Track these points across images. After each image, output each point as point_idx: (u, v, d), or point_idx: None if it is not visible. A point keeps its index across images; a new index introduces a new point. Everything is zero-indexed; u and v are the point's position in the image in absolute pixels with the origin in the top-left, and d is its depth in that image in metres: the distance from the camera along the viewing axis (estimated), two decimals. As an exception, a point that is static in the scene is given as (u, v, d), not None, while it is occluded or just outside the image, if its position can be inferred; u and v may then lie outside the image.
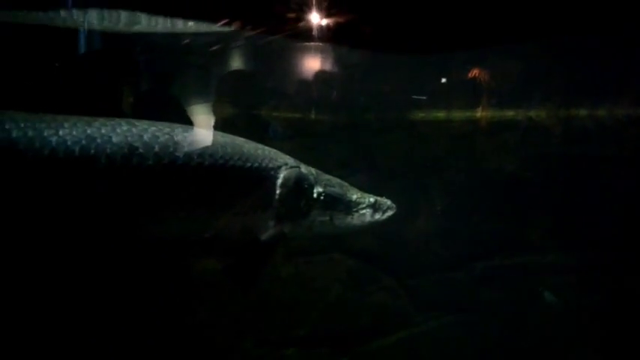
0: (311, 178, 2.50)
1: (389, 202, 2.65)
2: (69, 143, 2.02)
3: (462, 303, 3.85)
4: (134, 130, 2.15)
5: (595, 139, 3.76)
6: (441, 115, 3.80)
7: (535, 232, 3.83)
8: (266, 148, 2.52)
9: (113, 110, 2.84)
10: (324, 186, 2.51)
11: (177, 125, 2.33)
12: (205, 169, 2.21)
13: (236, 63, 3.54)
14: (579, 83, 3.68)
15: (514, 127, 3.78)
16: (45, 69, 2.92)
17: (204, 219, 2.28)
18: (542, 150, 3.80)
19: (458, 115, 3.79)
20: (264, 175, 2.38)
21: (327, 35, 3.36)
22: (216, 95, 3.49)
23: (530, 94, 3.76)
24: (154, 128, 2.20)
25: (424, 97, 3.75)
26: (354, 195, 2.58)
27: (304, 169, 2.52)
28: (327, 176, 2.61)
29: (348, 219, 2.54)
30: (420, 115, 3.78)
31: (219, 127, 3.21)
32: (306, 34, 3.38)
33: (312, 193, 2.48)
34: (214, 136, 2.38)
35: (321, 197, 2.48)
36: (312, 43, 3.45)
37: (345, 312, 3.73)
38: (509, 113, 3.78)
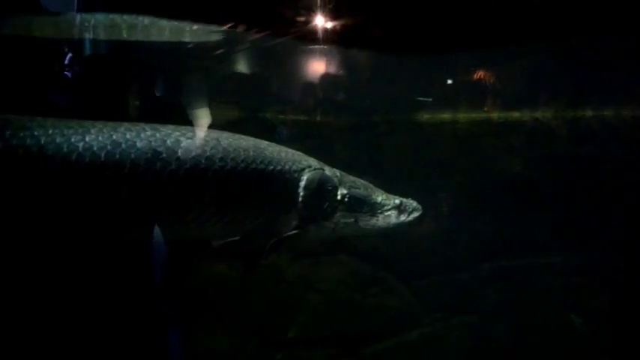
0: (335, 180, 2.51)
1: (414, 204, 2.65)
2: (95, 149, 2.07)
3: (468, 304, 3.85)
4: (158, 135, 2.19)
5: (601, 139, 3.75)
6: (447, 116, 3.79)
7: (541, 232, 3.82)
8: (290, 150, 2.54)
9: (118, 114, 2.86)
10: (349, 188, 2.52)
11: (201, 129, 2.37)
12: (227, 172, 2.23)
13: (241, 66, 3.55)
14: (585, 84, 3.67)
15: (520, 128, 3.78)
16: (50, 73, 2.95)
17: (226, 222, 2.29)
18: (548, 151, 3.79)
19: (464, 116, 3.78)
20: (286, 178, 2.39)
21: (333, 37, 3.36)
22: (222, 98, 3.50)
23: (536, 94, 3.75)
24: (177, 133, 2.24)
25: (429, 99, 3.75)
26: (379, 197, 2.59)
27: (328, 171, 2.54)
28: (352, 178, 2.62)
29: (373, 220, 2.54)
30: (426, 116, 3.78)
31: (225, 130, 3.20)
32: (311, 36, 3.39)
33: (336, 195, 2.49)
34: (237, 139, 2.39)
35: (346, 199, 2.49)
36: (317, 46, 3.46)
37: (351, 313, 3.74)
38: (515, 114, 3.78)
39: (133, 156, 2.10)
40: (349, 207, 2.49)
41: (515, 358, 3.80)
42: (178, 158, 2.15)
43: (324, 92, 3.68)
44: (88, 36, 2.98)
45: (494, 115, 3.77)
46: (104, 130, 2.15)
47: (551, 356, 3.81)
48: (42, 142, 2.05)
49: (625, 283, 3.80)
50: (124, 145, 2.11)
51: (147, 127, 2.23)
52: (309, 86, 3.71)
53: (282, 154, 2.45)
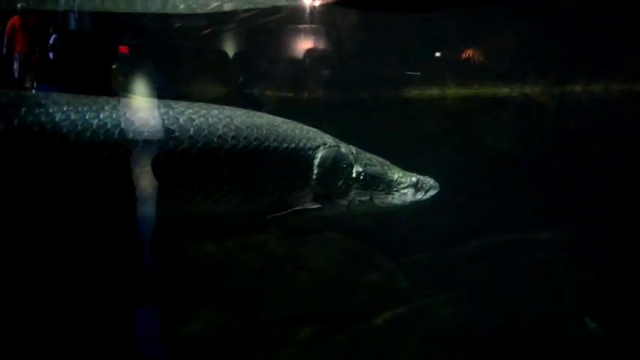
0: (350, 157, 2.51)
1: (432, 182, 2.65)
2: (109, 126, 2.09)
3: (456, 280, 3.87)
4: (171, 112, 2.20)
5: (590, 115, 3.75)
6: (436, 92, 3.77)
7: (529, 208, 3.83)
8: (306, 128, 2.54)
9: (103, 89, 2.83)
10: (364, 165, 2.52)
11: (215, 107, 2.37)
12: (239, 150, 2.24)
13: (229, 44, 3.51)
14: (574, 59, 3.66)
15: (509, 104, 3.76)
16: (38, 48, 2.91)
17: (240, 199, 2.32)
18: (537, 126, 3.78)
19: (452, 92, 3.76)
20: (300, 155, 2.40)
21: (320, 15, 3.33)
22: (209, 75, 3.46)
23: (525, 70, 3.73)
24: (190, 111, 2.24)
25: (418, 73, 3.71)
26: (396, 174, 2.59)
27: (344, 148, 2.54)
28: (369, 155, 2.62)
29: (389, 198, 2.55)
30: (415, 92, 3.75)
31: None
32: (298, 14, 3.36)
33: (351, 172, 2.49)
34: (252, 117, 2.39)
35: (361, 177, 2.49)
36: (305, 25, 3.42)
37: (340, 290, 3.75)
38: (504, 90, 3.76)
39: (146, 135, 2.12)
40: (365, 184, 2.50)
41: (503, 332, 3.83)
42: (191, 137, 2.16)
43: (312, 69, 3.65)
44: (74, 6, 2.95)
45: (483, 90, 3.75)
46: (118, 108, 2.17)
47: (538, 330, 3.86)
48: (57, 118, 2.06)
49: (612, 257, 3.85)
50: (137, 123, 2.12)
51: (160, 104, 2.25)
52: (297, 63, 3.67)
53: (297, 132, 2.45)
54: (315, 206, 2.43)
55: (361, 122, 3.71)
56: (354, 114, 3.71)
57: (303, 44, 3.58)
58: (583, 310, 3.85)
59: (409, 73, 3.71)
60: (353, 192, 2.48)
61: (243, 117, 2.34)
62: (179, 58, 3.42)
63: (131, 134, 2.10)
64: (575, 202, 3.66)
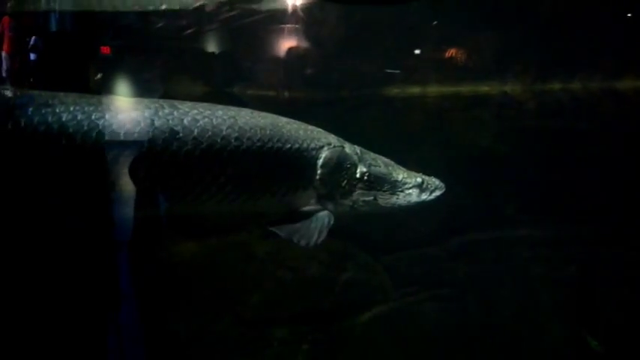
0: (354, 157, 2.51)
1: (437, 182, 2.66)
2: (114, 127, 2.10)
3: (438, 278, 3.88)
4: (176, 113, 2.21)
5: (569, 112, 3.78)
6: (417, 90, 3.77)
7: (510, 206, 3.86)
8: (310, 128, 2.54)
9: (82, 89, 2.81)
10: (369, 165, 2.52)
11: (220, 107, 2.37)
12: (243, 151, 2.25)
13: (210, 43, 3.49)
14: (553, 57, 3.68)
15: (489, 102, 3.78)
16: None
17: (244, 200, 2.33)
18: (517, 124, 3.81)
19: (433, 90, 3.77)
20: (303, 156, 2.40)
21: (301, 14, 3.33)
22: (190, 74, 3.45)
23: (505, 68, 3.75)
24: (195, 111, 2.25)
25: (397, 71, 3.72)
26: (401, 175, 2.59)
27: (348, 148, 2.54)
28: (373, 155, 2.62)
29: (394, 199, 2.55)
30: (396, 90, 3.76)
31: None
32: (279, 14, 3.35)
33: (355, 172, 2.49)
34: (256, 118, 2.40)
35: (365, 177, 2.50)
36: (285, 24, 3.42)
37: (322, 289, 3.75)
38: (484, 88, 3.77)
39: (150, 135, 2.12)
40: (369, 185, 2.50)
41: (484, 329, 3.86)
42: (195, 138, 2.17)
43: (293, 68, 3.63)
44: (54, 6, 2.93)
45: (464, 89, 3.76)
46: (125, 108, 2.20)
47: (519, 327, 3.88)
48: (63, 119, 2.07)
49: (591, 254, 3.88)
50: (142, 124, 2.13)
51: (166, 104, 2.25)
52: (278, 62, 3.66)
53: (301, 132, 2.46)
54: (317, 208, 2.44)
55: (342, 120, 3.70)
56: (335, 112, 3.71)
57: (284, 43, 3.57)
58: (563, 305, 3.88)
59: (389, 71, 3.71)
60: (357, 192, 2.49)
61: (247, 117, 2.36)
62: (160, 58, 3.40)
63: (135, 135, 2.12)
64: (555, 199, 3.69)
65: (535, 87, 3.76)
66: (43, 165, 2.09)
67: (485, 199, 3.78)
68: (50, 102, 2.12)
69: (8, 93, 2.24)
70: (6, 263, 2.41)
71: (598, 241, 3.88)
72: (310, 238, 2.36)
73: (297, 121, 2.54)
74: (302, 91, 3.62)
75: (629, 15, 3.58)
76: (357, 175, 2.49)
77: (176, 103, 2.31)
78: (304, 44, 3.60)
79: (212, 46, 3.52)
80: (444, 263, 3.87)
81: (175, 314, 3.54)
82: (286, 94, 3.62)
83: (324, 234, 2.41)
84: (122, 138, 2.10)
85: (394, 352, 3.84)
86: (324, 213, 2.45)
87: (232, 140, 2.24)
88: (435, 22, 3.62)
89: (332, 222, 2.45)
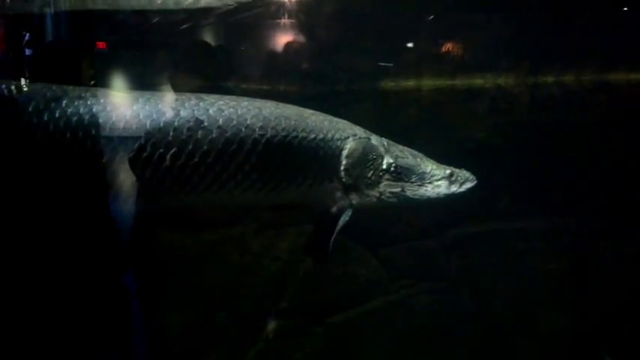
0: (380, 149, 2.52)
1: (467, 175, 2.64)
2: (141, 117, 2.20)
3: (433, 270, 3.90)
4: (202, 104, 2.28)
5: (561, 105, 3.80)
6: (411, 84, 3.78)
7: (504, 199, 3.87)
8: (336, 119, 2.57)
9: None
10: (395, 157, 2.52)
11: (246, 99, 2.42)
12: (267, 141, 2.29)
13: (205, 38, 3.49)
14: (546, 50, 3.69)
15: (483, 95, 3.79)
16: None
17: (269, 190, 2.36)
18: (511, 117, 3.82)
19: (427, 83, 3.77)
20: (328, 146, 2.42)
21: (296, 8, 3.33)
22: (184, 68, 3.44)
23: (499, 61, 3.76)
24: (221, 102, 2.31)
25: (391, 64, 3.72)
26: (429, 166, 2.58)
27: (375, 140, 2.55)
28: (401, 147, 2.62)
29: (422, 190, 2.54)
30: (390, 84, 3.76)
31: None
32: (274, 9, 3.35)
33: (381, 163, 2.49)
34: (281, 108, 2.44)
35: (391, 168, 2.49)
36: (280, 18, 3.41)
37: (317, 283, 3.75)
38: (478, 81, 3.79)
39: (176, 124, 2.20)
40: (395, 176, 2.50)
41: (479, 321, 3.88)
42: (219, 127, 2.23)
43: (288, 62, 3.63)
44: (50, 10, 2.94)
45: (458, 82, 3.77)
46: (152, 100, 2.27)
47: (514, 319, 3.91)
48: (94, 110, 2.20)
49: (586, 247, 3.91)
50: (168, 114, 2.21)
51: (193, 96, 2.32)
52: (273, 56, 3.65)
53: (326, 123, 2.48)
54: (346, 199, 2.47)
55: (337, 114, 3.70)
56: (330, 106, 3.70)
57: (279, 38, 3.56)
58: (558, 298, 3.91)
59: (383, 64, 3.71)
60: (383, 183, 2.49)
61: (272, 108, 2.40)
62: (156, 53, 3.39)
63: (161, 125, 2.19)
64: (549, 192, 3.70)
65: (528, 80, 3.78)
66: (76, 153, 2.20)
67: (479, 192, 3.79)
68: (83, 95, 2.26)
69: (40, 86, 2.32)
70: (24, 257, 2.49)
71: (591, 233, 3.90)
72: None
73: (323, 113, 2.57)
74: (297, 84, 3.62)
75: (623, 8, 3.60)
76: (384, 167, 2.49)
77: (203, 95, 2.38)
78: (299, 38, 3.60)
79: (207, 41, 3.51)
80: (439, 256, 3.89)
81: (170, 308, 3.54)
82: (281, 87, 3.62)
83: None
84: (148, 128, 2.19)
85: (390, 345, 3.85)
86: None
87: (256, 129, 2.28)
88: (432, 17, 3.63)
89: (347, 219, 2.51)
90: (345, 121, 2.59)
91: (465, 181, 2.63)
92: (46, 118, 2.19)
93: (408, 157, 2.57)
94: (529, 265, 3.88)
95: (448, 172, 2.60)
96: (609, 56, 3.75)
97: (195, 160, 2.22)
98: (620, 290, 3.87)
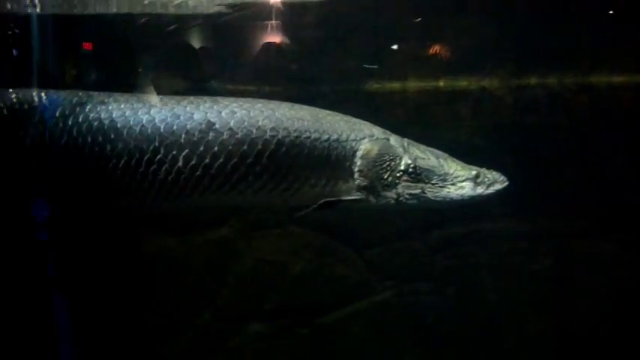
0: (398, 149, 2.48)
1: (495, 175, 2.57)
2: (156, 121, 2.28)
3: (419, 271, 3.92)
4: (215, 107, 2.34)
5: (545, 107, 3.83)
6: (396, 85, 3.79)
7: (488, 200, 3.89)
8: (355, 120, 2.56)
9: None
10: (415, 158, 2.48)
11: (261, 101, 2.46)
12: (278, 142, 2.31)
13: (190, 39, 3.49)
14: (530, 53, 3.72)
15: (467, 97, 3.81)
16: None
17: (282, 190, 2.37)
18: (495, 119, 3.85)
19: (413, 85, 3.79)
20: (342, 147, 2.41)
21: (282, 10, 3.33)
22: (169, 69, 3.43)
23: (483, 63, 3.79)
24: (235, 104, 2.36)
25: (375, 67, 3.74)
26: (453, 167, 2.53)
27: (394, 140, 2.52)
28: (424, 148, 2.58)
29: (444, 192, 2.48)
30: (376, 86, 3.77)
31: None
32: (261, 10, 3.35)
33: (399, 164, 2.45)
34: (295, 110, 2.46)
35: (410, 169, 2.45)
36: (265, 20, 3.41)
37: (304, 284, 3.76)
38: (463, 83, 3.81)
39: (188, 127, 2.27)
40: (414, 177, 2.45)
41: (465, 322, 3.91)
42: (230, 128, 2.28)
43: (274, 63, 3.63)
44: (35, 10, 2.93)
45: (443, 84, 3.79)
46: (169, 104, 2.35)
47: (499, 319, 3.94)
48: (113, 115, 2.31)
49: (568, 247, 3.95)
50: (182, 117, 2.29)
51: (208, 99, 2.40)
52: (259, 58, 3.65)
53: (341, 124, 2.48)
54: (354, 197, 2.45)
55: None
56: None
57: (265, 39, 3.57)
58: (542, 297, 3.94)
59: (368, 66, 3.72)
60: (402, 185, 2.45)
61: (286, 110, 2.42)
62: (142, 54, 3.38)
63: (175, 128, 2.27)
64: (533, 192, 3.73)
65: (512, 82, 3.81)
66: (96, 157, 2.31)
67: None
68: (105, 100, 2.38)
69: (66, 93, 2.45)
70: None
71: (576, 234, 3.94)
72: None
73: (341, 114, 2.57)
74: (282, 86, 3.62)
75: (605, 11, 3.64)
76: (401, 167, 2.45)
77: (218, 98, 2.43)
78: (284, 40, 3.60)
79: (192, 42, 3.51)
80: (424, 257, 3.90)
81: (155, 309, 3.53)
82: (267, 89, 3.62)
83: None
84: (162, 131, 2.27)
85: (375, 346, 3.87)
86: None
87: (268, 130, 2.31)
88: (419, 20, 3.64)
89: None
90: (366, 122, 2.57)
91: (493, 183, 2.56)
92: (71, 122, 2.32)
93: (430, 157, 2.52)
94: (514, 266, 3.91)
95: (474, 173, 2.54)
96: (592, 59, 3.79)
97: (207, 161, 2.27)
98: (605, 290, 3.90)
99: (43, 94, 2.42)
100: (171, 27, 3.35)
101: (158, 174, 2.28)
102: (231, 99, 2.43)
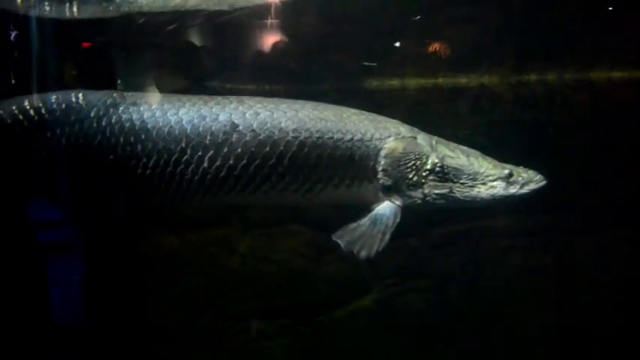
0: (425, 148, 2.43)
1: (533, 175, 2.48)
2: (184, 122, 2.32)
3: (419, 269, 3.92)
4: (240, 108, 2.36)
5: (544, 104, 3.83)
6: (396, 83, 3.79)
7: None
8: (381, 119, 2.52)
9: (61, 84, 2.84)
10: (443, 157, 2.42)
11: (286, 101, 2.46)
12: (300, 143, 2.31)
13: (190, 38, 3.49)
14: (529, 49, 3.72)
15: (467, 94, 3.81)
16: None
17: (306, 191, 2.37)
18: (494, 116, 3.84)
19: (412, 82, 3.79)
20: (366, 147, 2.38)
21: (282, 9, 3.33)
22: (168, 68, 3.44)
23: (483, 60, 3.78)
24: (259, 105, 2.37)
25: (374, 64, 3.74)
26: (484, 166, 2.44)
27: (421, 139, 2.47)
28: (453, 146, 2.52)
29: (474, 192, 2.41)
30: (375, 83, 3.77)
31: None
32: (260, 9, 3.35)
33: (425, 163, 2.39)
34: (320, 110, 2.44)
35: (437, 168, 2.39)
36: (265, 18, 3.41)
37: (304, 283, 3.76)
38: (462, 80, 3.80)
39: (213, 128, 2.30)
40: (442, 177, 2.40)
41: (465, 319, 3.91)
42: (253, 130, 2.29)
43: (274, 62, 3.63)
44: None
45: (442, 81, 3.79)
46: (197, 105, 2.38)
47: (499, 316, 3.94)
48: (144, 116, 2.36)
49: (568, 244, 3.95)
50: (208, 119, 2.32)
51: (234, 99, 2.42)
52: (259, 57, 3.65)
53: (366, 123, 2.44)
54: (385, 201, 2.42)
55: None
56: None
57: (265, 38, 3.57)
58: (541, 294, 3.94)
59: (367, 64, 3.72)
60: (428, 184, 2.40)
61: (310, 110, 2.41)
62: (142, 54, 3.39)
63: (200, 129, 2.30)
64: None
65: (512, 79, 3.80)
66: (127, 157, 2.36)
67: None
68: (137, 101, 2.43)
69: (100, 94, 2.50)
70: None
71: (575, 230, 3.94)
72: (371, 248, 2.36)
73: (370, 113, 2.54)
74: (282, 84, 3.62)
75: (604, 7, 3.64)
76: (428, 166, 2.39)
77: (245, 98, 2.44)
78: (284, 38, 3.60)
79: (192, 41, 3.51)
80: (424, 254, 3.90)
81: (157, 309, 3.53)
82: (267, 87, 3.62)
83: (387, 237, 2.38)
84: (188, 132, 2.31)
85: (376, 344, 3.87)
86: (389, 209, 2.43)
87: (290, 132, 2.31)
88: (418, 17, 3.64)
89: (398, 220, 2.42)
90: (393, 121, 2.53)
91: (528, 182, 2.45)
92: (104, 123, 2.38)
93: (459, 156, 2.45)
94: (513, 263, 3.91)
95: (506, 171, 2.44)
96: (591, 54, 3.78)
97: (231, 162, 2.29)
98: (606, 286, 3.90)
99: (80, 95, 2.48)
100: (171, 26, 3.35)
101: (185, 174, 2.32)
102: (258, 99, 2.43)
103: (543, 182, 2.49)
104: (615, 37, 3.62)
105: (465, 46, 3.74)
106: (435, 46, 3.73)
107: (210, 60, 3.64)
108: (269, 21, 3.44)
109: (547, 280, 3.94)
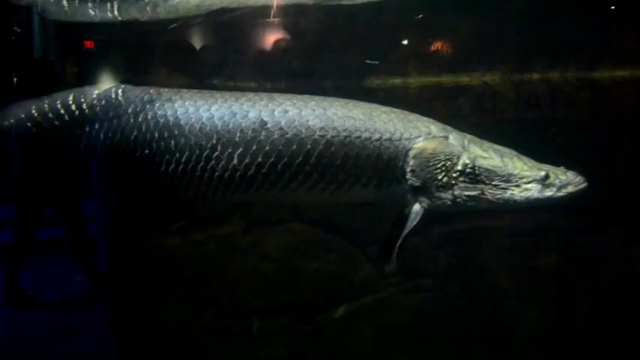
0: (457, 148, 2.38)
1: (572, 177, 2.41)
2: (215, 119, 2.35)
3: (421, 268, 3.90)
4: (270, 105, 2.36)
5: (546, 103, 3.82)
6: (398, 81, 3.79)
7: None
8: (413, 117, 2.49)
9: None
10: (475, 157, 2.36)
11: (315, 98, 2.46)
12: (327, 142, 2.31)
13: (193, 38, 3.50)
14: (532, 47, 3.72)
15: (469, 93, 3.80)
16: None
17: (333, 190, 2.38)
18: (497, 114, 3.84)
19: (414, 81, 3.78)
20: (394, 147, 2.35)
21: (284, 7, 3.34)
22: (170, 66, 3.44)
23: (485, 58, 3.78)
24: (288, 103, 2.38)
25: (376, 62, 3.73)
26: (519, 167, 2.38)
27: (453, 138, 2.42)
28: (487, 146, 2.47)
29: (507, 194, 2.34)
30: (377, 82, 3.77)
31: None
32: (262, 8, 3.36)
33: (456, 164, 2.34)
34: (349, 108, 2.44)
35: (468, 169, 2.34)
36: (267, 17, 3.41)
37: (306, 281, 3.75)
38: (465, 78, 3.80)
39: (243, 125, 2.32)
40: (473, 178, 2.35)
41: (466, 318, 3.90)
42: (281, 128, 2.30)
43: (275, 60, 3.63)
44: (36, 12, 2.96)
45: (445, 79, 3.78)
46: (229, 101, 2.40)
47: (501, 314, 3.93)
48: (178, 112, 2.39)
49: (570, 243, 3.94)
50: (238, 116, 2.34)
51: (265, 96, 2.44)
52: (260, 55, 3.66)
53: (396, 122, 2.41)
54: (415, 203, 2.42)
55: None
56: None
57: (267, 36, 3.57)
58: (544, 293, 3.94)
59: (369, 62, 3.72)
60: (459, 186, 2.36)
61: (339, 108, 2.40)
62: (144, 52, 3.39)
63: (231, 126, 2.33)
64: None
65: (514, 77, 3.79)
66: (160, 153, 2.41)
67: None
68: (172, 97, 2.47)
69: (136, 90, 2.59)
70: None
71: (578, 229, 3.93)
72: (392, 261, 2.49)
73: (401, 111, 2.52)
74: (284, 82, 3.62)
75: (607, 5, 3.63)
76: (459, 167, 2.34)
77: (275, 95, 2.46)
78: (286, 36, 3.60)
79: (194, 40, 3.51)
80: (426, 253, 3.89)
81: (158, 308, 3.53)
82: (268, 85, 3.62)
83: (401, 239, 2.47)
84: (219, 129, 2.34)
85: (379, 343, 3.87)
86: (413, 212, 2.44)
87: (317, 130, 2.30)
88: (420, 16, 3.64)
89: (416, 222, 2.46)
90: (425, 119, 2.50)
91: (565, 185, 2.38)
92: (141, 119, 2.45)
93: (493, 157, 2.39)
94: (517, 262, 3.90)
95: (542, 173, 2.37)
96: (594, 53, 3.77)
97: (259, 160, 2.31)
98: (609, 286, 3.89)
99: (120, 91, 2.56)
100: (174, 25, 3.36)
101: (216, 170, 2.35)
102: (288, 96, 2.44)
103: (583, 185, 2.43)
104: (618, 35, 3.61)
105: (468, 45, 3.73)
106: (437, 45, 3.72)
107: (211, 58, 3.64)
108: (270, 19, 3.45)
109: (550, 280, 3.93)
